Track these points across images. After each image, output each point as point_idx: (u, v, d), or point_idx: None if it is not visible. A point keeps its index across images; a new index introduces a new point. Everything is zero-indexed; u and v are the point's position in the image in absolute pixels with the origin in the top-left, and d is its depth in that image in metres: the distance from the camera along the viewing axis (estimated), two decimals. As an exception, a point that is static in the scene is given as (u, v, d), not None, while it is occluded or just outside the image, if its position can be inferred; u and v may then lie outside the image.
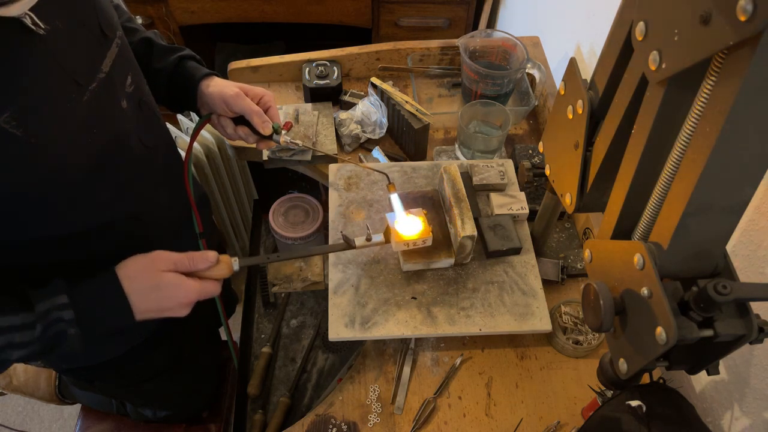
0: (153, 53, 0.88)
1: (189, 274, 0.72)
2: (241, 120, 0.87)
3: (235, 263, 0.77)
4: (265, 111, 0.86)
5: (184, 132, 1.33)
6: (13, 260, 0.69)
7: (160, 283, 0.69)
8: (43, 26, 0.58)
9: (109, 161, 0.69)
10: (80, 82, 0.63)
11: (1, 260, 0.68)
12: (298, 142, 0.89)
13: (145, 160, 0.77)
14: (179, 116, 1.35)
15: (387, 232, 0.85)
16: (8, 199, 0.60)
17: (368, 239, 0.83)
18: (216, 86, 0.85)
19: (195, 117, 1.36)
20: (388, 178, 0.89)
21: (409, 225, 0.87)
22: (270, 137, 0.87)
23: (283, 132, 0.87)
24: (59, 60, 0.60)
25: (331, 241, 0.94)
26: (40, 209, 0.64)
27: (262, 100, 0.87)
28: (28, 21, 0.56)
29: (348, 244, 0.82)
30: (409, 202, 0.95)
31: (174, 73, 0.88)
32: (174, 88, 0.89)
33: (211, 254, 0.74)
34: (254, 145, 0.89)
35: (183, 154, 0.93)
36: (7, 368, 0.66)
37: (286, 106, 1.21)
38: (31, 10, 0.56)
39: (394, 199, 0.88)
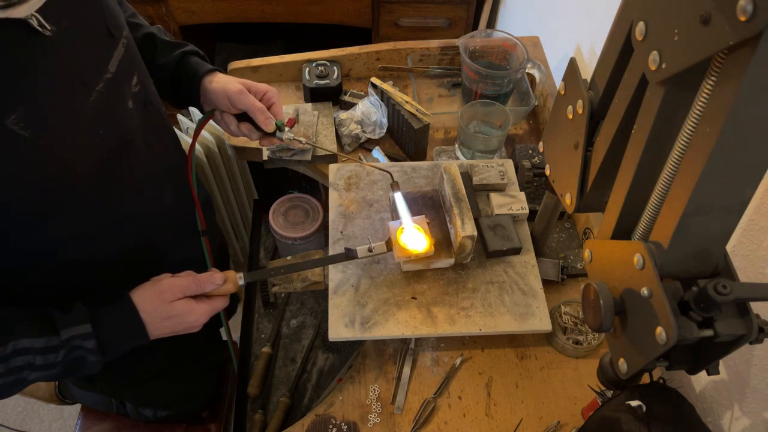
0: (156, 49, 0.88)
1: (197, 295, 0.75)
2: (244, 116, 0.86)
3: (240, 279, 0.79)
4: (269, 107, 0.85)
5: (184, 132, 1.33)
6: (18, 262, 0.69)
7: (172, 313, 0.72)
8: (49, 27, 0.57)
9: (115, 161, 0.69)
10: (87, 83, 0.63)
11: (7, 262, 0.68)
12: (301, 139, 0.89)
13: (150, 160, 0.77)
14: (179, 116, 1.35)
15: (389, 242, 0.85)
16: (17, 201, 0.60)
17: (370, 249, 0.85)
18: (219, 82, 0.84)
19: (195, 117, 1.36)
20: (391, 176, 0.89)
21: (412, 236, 0.87)
22: (273, 134, 0.87)
23: (287, 129, 0.87)
24: (66, 61, 0.60)
25: (331, 241, 0.94)
26: (47, 210, 0.64)
27: (265, 96, 0.86)
28: (34, 22, 0.56)
29: (349, 256, 0.84)
30: (408, 202, 0.94)
31: (177, 69, 0.87)
32: (177, 84, 0.88)
33: (217, 276, 0.76)
34: (257, 142, 0.89)
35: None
36: (22, 389, 0.67)
37: (286, 106, 1.21)
38: (37, 11, 0.56)
39: (398, 198, 0.88)
